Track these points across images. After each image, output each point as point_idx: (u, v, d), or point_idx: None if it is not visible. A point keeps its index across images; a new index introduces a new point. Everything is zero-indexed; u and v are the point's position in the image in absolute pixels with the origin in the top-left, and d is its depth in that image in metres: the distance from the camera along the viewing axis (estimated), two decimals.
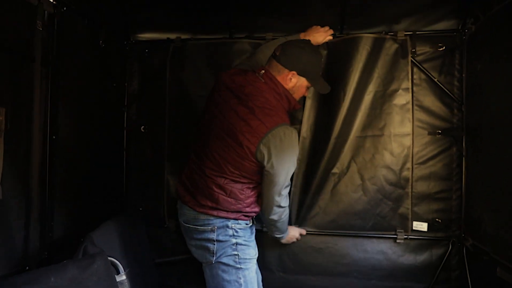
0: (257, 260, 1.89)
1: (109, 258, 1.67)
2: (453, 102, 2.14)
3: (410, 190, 2.13)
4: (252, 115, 1.67)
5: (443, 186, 2.15)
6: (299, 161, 2.19)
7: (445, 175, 2.15)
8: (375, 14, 2.11)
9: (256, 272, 1.89)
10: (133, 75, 2.45)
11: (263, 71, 1.79)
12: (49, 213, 1.71)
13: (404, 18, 2.11)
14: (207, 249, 1.77)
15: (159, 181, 2.36)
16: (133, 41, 2.43)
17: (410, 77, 2.11)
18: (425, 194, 2.16)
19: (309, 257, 2.27)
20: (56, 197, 1.74)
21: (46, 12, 1.68)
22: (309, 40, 2.01)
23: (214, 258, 1.76)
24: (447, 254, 2.15)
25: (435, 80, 2.13)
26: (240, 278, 1.77)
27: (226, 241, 1.76)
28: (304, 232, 2.22)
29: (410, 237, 2.16)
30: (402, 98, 2.12)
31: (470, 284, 2.00)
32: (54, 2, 1.71)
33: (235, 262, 1.76)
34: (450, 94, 2.13)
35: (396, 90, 2.12)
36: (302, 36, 2.12)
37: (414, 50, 2.11)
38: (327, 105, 2.18)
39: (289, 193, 1.87)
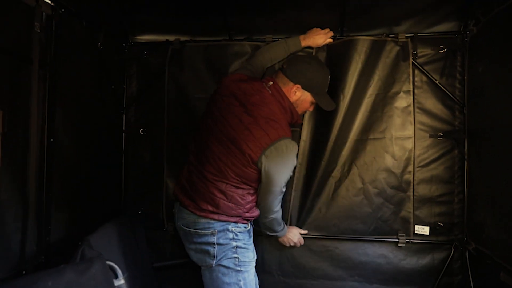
0: (257, 264, 1.89)
1: (107, 262, 1.65)
2: (455, 105, 2.12)
3: (411, 193, 2.11)
4: (257, 125, 1.71)
5: (445, 190, 2.13)
6: (300, 164, 2.18)
7: (447, 178, 2.13)
8: (375, 16, 2.09)
9: (254, 276, 1.90)
10: (131, 77, 2.43)
11: (271, 82, 1.84)
12: (46, 216, 1.69)
13: (405, 20, 2.09)
14: (207, 252, 1.77)
15: (158, 184, 2.34)
16: (132, 43, 2.42)
17: (411, 79, 2.10)
18: (427, 197, 2.14)
19: (310, 261, 2.25)
20: (53, 200, 1.72)
21: (44, 13, 1.67)
22: (317, 56, 2.07)
23: (215, 261, 1.77)
24: (450, 258, 2.12)
25: (437, 82, 2.12)
26: (240, 280, 1.78)
27: (226, 244, 1.77)
28: (304, 234, 2.20)
29: (411, 241, 2.14)
30: (403, 101, 2.11)
31: None
32: (52, 4, 1.70)
33: (235, 265, 1.78)
34: (451, 96, 2.11)
35: (397, 93, 2.11)
36: (302, 38, 2.11)
37: (415, 52, 2.10)
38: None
39: (290, 196, 1.99)
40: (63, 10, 1.75)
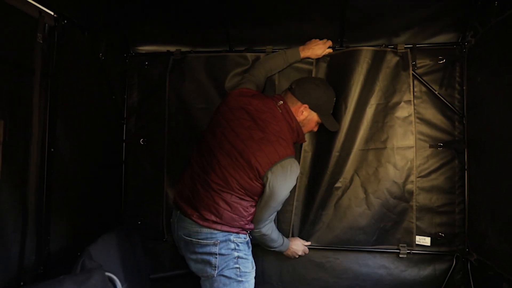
0: (257, 274, 1.90)
1: (107, 273, 1.64)
2: (454, 115, 2.13)
3: (414, 203, 2.10)
4: (267, 141, 1.76)
5: (446, 200, 2.13)
6: (301, 174, 2.18)
7: (447, 189, 2.13)
8: (374, 27, 2.11)
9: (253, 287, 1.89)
10: (132, 88, 2.44)
11: (281, 101, 1.89)
12: (45, 227, 1.68)
13: (404, 31, 2.11)
14: (209, 262, 1.77)
15: (158, 194, 2.33)
16: (133, 54, 2.43)
17: (411, 89, 2.11)
18: (428, 207, 2.14)
19: (310, 272, 2.23)
20: (53, 210, 1.72)
21: (46, 24, 1.68)
22: (324, 79, 2.12)
23: (216, 271, 1.76)
24: (451, 269, 2.11)
25: (436, 92, 2.13)
26: None
27: (228, 254, 1.77)
28: (307, 245, 2.19)
29: (413, 251, 2.13)
30: (404, 111, 2.11)
31: None
32: (55, 15, 1.72)
33: (237, 275, 1.78)
34: (451, 106, 2.12)
35: (398, 103, 2.12)
36: (301, 49, 2.13)
37: (414, 63, 2.11)
38: None
39: (291, 207, 2.07)
40: (65, 22, 1.77)
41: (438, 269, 2.13)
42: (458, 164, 2.12)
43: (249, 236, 1.91)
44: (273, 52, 2.22)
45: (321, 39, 2.16)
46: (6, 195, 1.49)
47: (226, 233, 1.77)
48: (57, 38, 1.73)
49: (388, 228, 2.14)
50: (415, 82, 2.14)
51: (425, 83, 2.14)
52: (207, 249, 1.76)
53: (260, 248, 2.10)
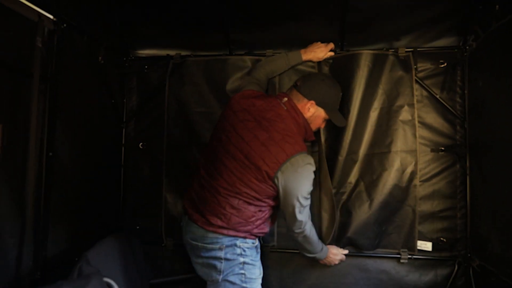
0: None
1: (104, 278, 1.63)
2: (456, 119, 2.12)
3: (416, 208, 2.08)
4: (273, 141, 1.72)
5: (448, 204, 2.11)
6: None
7: (449, 193, 2.11)
8: (375, 31, 2.11)
9: None
10: (132, 91, 2.44)
11: (286, 98, 1.86)
12: (43, 232, 1.67)
13: (405, 35, 2.11)
14: (214, 267, 1.75)
15: (157, 198, 2.32)
16: (133, 58, 2.43)
17: (414, 92, 2.10)
18: (429, 212, 2.12)
19: (311, 277, 2.21)
20: (51, 214, 1.71)
21: (46, 28, 1.68)
22: (330, 75, 2.10)
23: (221, 276, 1.75)
24: (453, 275, 2.09)
25: (437, 96, 2.12)
26: None
27: (233, 259, 1.75)
28: (345, 253, 2.15)
29: (414, 256, 2.11)
30: (407, 114, 2.10)
31: None
32: (54, 19, 1.72)
33: (241, 281, 1.76)
34: (452, 110, 2.11)
35: (401, 106, 2.11)
36: (303, 52, 2.13)
37: (415, 66, 2.10)
38: (333, 124, 2.16)
39: None
40: (65, 25, 1.77)
41: (440, 275, 2.11)
42: (460, 168, 2.10)
43: (258, 241, 1.88)
44: (273, 55, 2.22)
45: (322, 42, 2.16)
46: (4, 199, 1.49)
47: (232, 238, 1.75)
48: (57, 42, 1.73)
49: (390, 231, 2.12)
50: (416, 86, 2.13)
51: (426, 87, 2.13)
52: (213, 254, 1.75)
53: (262, 253, 2.08)
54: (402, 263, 2.12)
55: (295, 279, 2.22)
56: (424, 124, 2.13)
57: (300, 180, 1.71)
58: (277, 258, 2.17)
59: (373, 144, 2.12)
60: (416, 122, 2.10)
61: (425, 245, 2.10)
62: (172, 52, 2.34)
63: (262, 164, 1.69)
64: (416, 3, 1.89)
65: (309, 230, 1.86)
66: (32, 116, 1.58)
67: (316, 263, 2.17)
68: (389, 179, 2.09)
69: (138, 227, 2.35)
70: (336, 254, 2.10)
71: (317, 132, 2.10)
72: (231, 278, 1.74)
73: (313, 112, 1.88)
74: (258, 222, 1.80)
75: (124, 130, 2.42)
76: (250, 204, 1.75)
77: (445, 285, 2.09)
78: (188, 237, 1.84)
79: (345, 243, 2.15)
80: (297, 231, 1.83)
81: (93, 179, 2.09)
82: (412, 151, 2.09)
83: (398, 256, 2.11)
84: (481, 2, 1.83)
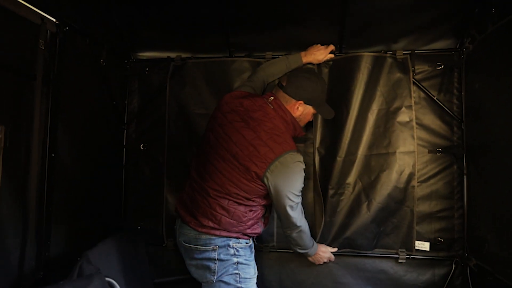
0: (257, 280, 1.87)
1: (106, 278, 1.64)
2: (453, 120, 2.14)
3: (414, 208, 2.10)
4: (260, 141, 1.72)
5: (445, 205, 2.13)
6: (307, 180, 2.19)
7: (446, 194, 2.13)
8: (373, 34, 2.12)
9: None
10: (133, 93, 2.46)
11: (272, 97, 1.85)
12: (46, 232, 1.69)
13: (402, 37, 2.13)
14: (208, 268, 1.76)
15: (158, 199, 2.34)
16: (134, 60, 2.45)
17: (412, 94, 2.12)
18: (427, 213, 2.14)
19: (310, 277, 2.23)
20: (53, 215, 1.72)
21: (48, 31, 1.70)
22: (313, 69, 2.10)
23: (215, 277, 1.75)
24: (451, 274, 2.11)
25: (435, 98, 2.14)
26: None
27: (227, 260, 1.76)
28: (333, 254, 2.17)
29: (412, 256, 2.13)
30: (405, 116, 2.12)
31: None
32: (56, 22, 1.74)
33: (236, 281, 1.76)
34: (449, 112, 2.13)
35: (399, 108, 2.13)
36: (303, 55, 2.14)
37: (413, 68, 2.13)
38: (332, 125, 2.18)
39: None
40: (67, 28, 1.78)
41: (437, 274, 2.13)
42: (457, 169, 2.12)
43: (252, 241, 1.89)
44: (272, 58, 2.24)
45: (321, 45, 2.17)
46: (6, 200, 1.50)
47: (225, 238, 1.76)
48: (59, 44, 1.75)
49: (388, 232, 2.14)
50: (414, 88, 2.15)
51: (424, 88, 2.15)
52: (206, 255, 1.76)
53: (260, 253, 2.10)
54: (400, 263, 2.14)
55: (294, 279, 2.24)
56: (422, 126, 2.16)
57: (290, 178, 1.71)
58: (276, 258, 2.18)
59: (372, 145, 2.14)
60: (414, 124, 2.12)
61: (423, 245, 2.12)
62: (173, 54, 2.36)
63: (251, 164, 1.69)
64: (413, 7, 1.91)
65: (304, 225, 1.88)
66: (34, 118, 1.60)
67: (314, 263, 2.19)
68: (387, 180, 2.11)
69: (139, 227, 2.36)
70: (325, 252, 2.11)
71: (309, 127, 2.12)
72: (226, 279, 1.75)
73: (302, 111, 1.88)
74: (250, 222, 1.80)
75: (125, 131, 2.44)
76: (240, 204, 1.75)
77: (443, 285, 2.11)
78: (182, 239, 1.84)
79: (344, 244, 2.17)
80: (292, 227, 1.84)
81: (95, 180, 2.10)
82: (410, 152, 2.11)
83: (396, 256, 2.13)
84: (478, 5, 1.85)
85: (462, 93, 2.11)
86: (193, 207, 1.80)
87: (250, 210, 1.79)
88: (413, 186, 2.10)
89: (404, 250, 2.12)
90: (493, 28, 1.73)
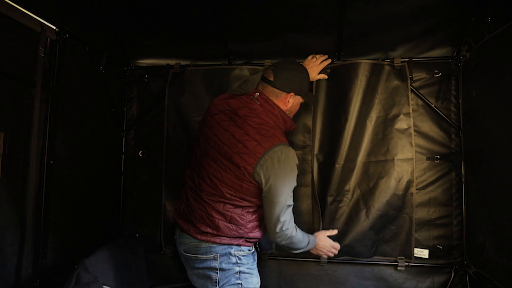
0: None
1: (104, 286, 1.63)
2: (451, 128, 2.15)
3: (413, 215, 2.10)
4: (248, 136, 1.68)
5: (444, 212, 2.13)
6: (306, 187, 2.18)
7: (445, 201, 2.14)
8: (371, 42, 2.14)
9: None
10: (132, 100, 2.47)
11: (257, 93, 1.81)
12: (43, 239, 1.68)
13: (400, 45, 2.15)
14: (209, 278, 1.73)
15: (156, 206, 2.33)
16: (133, 67, 2.46)
17: (409, 102, 2.13)
18: (425, 220, 2.14)
19: (309, 285, 2.22)
20: (51, 222, 1.72)
21: (48, 39, 1.71)
22: (294, 59, 2.04)
23: (217, 287, 1.71)
24: (450, 282, 2.10)
25: (432, 105, 2.15)
26: None
27: (229, 269, 1.72)
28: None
29: (411, 264, 2.12)
30: (403, 123, 2.13)
31: None
32: (56, 29, 1.75)
33: None
34: (447, 119, 2.14)
35: (397, 115, 2.14)
36: None
37: (411, 76, 2.14)
38: (330, 132, 2.19)
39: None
40: (66, 35, 1.80)
41: (437, 282, 2.13)
42: (455, 176, 2.13)
43: (255, 248, 1.86)
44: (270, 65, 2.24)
45: (318, 53, 2.15)
46: (4, 207, 1.49)
47: (226, 246, 1.72)
48: (59, 52, 1.77)
49: (387, 239, 2.14)
50: (412, 95, 2.16)
51: (421, 96, 2.17)
52: (207, 264, 1.73)
53: (258, 261, 2.08)
54: (399, 270, 2.13)
55: (292, 287, 2.22)
56: (420, 133, 2.17)
57: (282, 172, 1.64)
58: (275, 265, 2.17)
59: (370, 152, 2.14)
60: (412, 131, 2.13)
61: (422, 253, 2.12)
62: (172, 62, 2.37)
63: (240, 160, 1.65)
64: (411, 15, 1.93)
65: (292, 229, 1.74)
66: (33, 125, 1.60)
67: (314, 270, 2.19)
68: (385, 187, 2.11)
69: (137, 235, 2.35)
70: (324, 241, 2.00)
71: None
72: None
73: (293, 102, 1.84)
74: (250, 225, 1.75)
75: (124, 138, 2.45)
76: (236, 206, 1.72)
77: None
78: (182, 249, 1.81)
79: (343, 251, 2.15)
80: (279, 232, 1.70)
81: (93, 187, 2.10)
82: (409, 159, 2.12)
83: (395, 263, 2.13)
84: (474, 14, 1.87)
85: (460, 101, 2.12)
86: (190, 214, 1.79)
87: (248, 212, 1.75)
88: (412, 193, 2.11)
89: (403, 257, 2.12)
90: (489, 37, 1.76)
